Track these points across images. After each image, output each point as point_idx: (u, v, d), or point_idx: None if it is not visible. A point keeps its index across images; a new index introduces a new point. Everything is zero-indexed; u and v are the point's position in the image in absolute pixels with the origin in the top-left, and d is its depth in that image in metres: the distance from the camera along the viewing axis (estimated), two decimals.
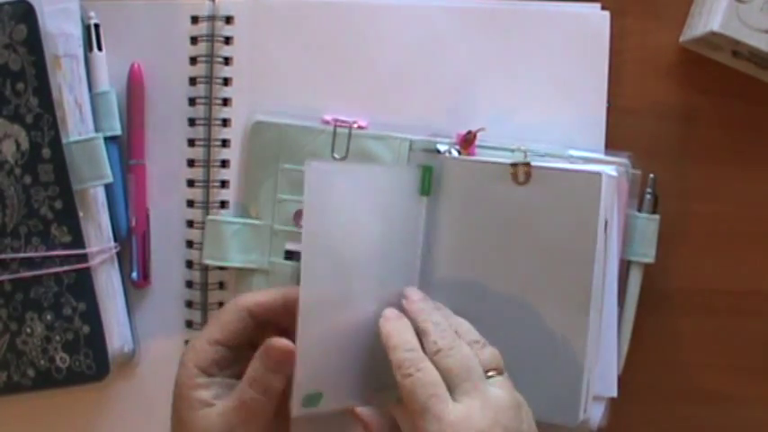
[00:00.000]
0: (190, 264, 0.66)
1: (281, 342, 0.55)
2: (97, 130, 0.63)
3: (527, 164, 0.59)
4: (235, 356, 0.57)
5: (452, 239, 0.61)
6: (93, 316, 0.62)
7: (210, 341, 0.56)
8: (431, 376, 0.51)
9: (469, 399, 0.51)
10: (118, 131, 0.65)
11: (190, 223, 0.66)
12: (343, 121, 0.64)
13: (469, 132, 0.62)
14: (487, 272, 0.60)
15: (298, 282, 0.53)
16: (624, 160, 0.63)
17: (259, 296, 0.58)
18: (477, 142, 0.62)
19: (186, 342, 0.66)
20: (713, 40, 0.62)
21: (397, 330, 0.54)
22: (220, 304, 0.66)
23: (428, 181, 0.61)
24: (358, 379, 0.57)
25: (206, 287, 0.66)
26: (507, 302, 0.59)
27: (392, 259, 0.59)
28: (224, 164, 0.66)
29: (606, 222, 0.58)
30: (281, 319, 0.57)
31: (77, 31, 0.63)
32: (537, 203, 0.58)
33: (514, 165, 0.60)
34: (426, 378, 0.51)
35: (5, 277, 0.62)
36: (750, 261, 0.67)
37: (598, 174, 0.58)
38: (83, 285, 0.62)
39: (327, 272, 0.55)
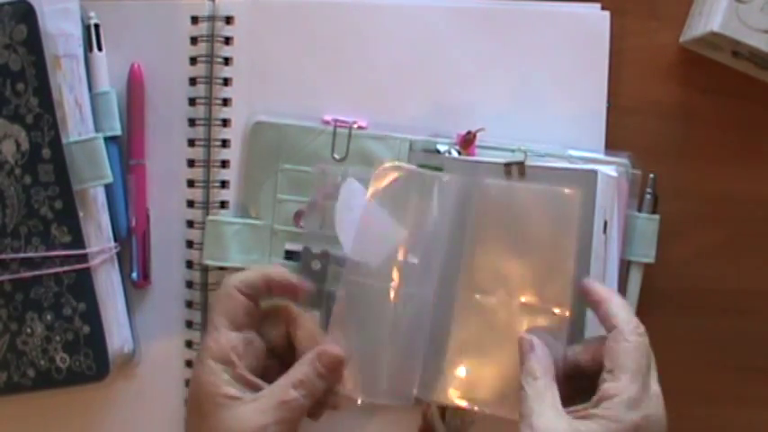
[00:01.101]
0: (190, 264, 0.66)
1: (335, 349, 0.57)
2: (97, 130, 0.63)
3: (520, 163, 0.59)
4: (248, 341, 0.58)
5: (453, 239, 0.61)
6: (93, 316, 0.62)
7: (219, 330, 0.57)
8: None
9: None
10: (118, 131, 0.64)
11: (190, 223, 0.66)
12: (343, 122, 0.64)
13: (469, 133, 0.62)
14: (487, 271, 0.60)
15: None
16: (624, 160, 0.63)
17: (243, 275, 0.59)
18: (476, 142, 0.62)
19: (187, 343, 0.66)
20: (713, 40, 0.62)
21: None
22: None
23: None
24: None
25: (206, 287, 0.66)
26: (505, 302, 0.59)
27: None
28: (224, 164, 0.66)
29: (606, 223, 0.58)
30: (262, 296, 0.59)
31: (77, 32, 0.63)
32: (534, 202, 0.59)
33: (508, 164, 0.60)
34: None
35: (6, 277, 0.62)
36: (750, 261, 0.67)
37: (593, 171, 0.58)
38: (83, 285, 0.62)
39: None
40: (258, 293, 0.59)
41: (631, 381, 0.51)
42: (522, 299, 0.59)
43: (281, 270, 0.60)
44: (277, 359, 0.60)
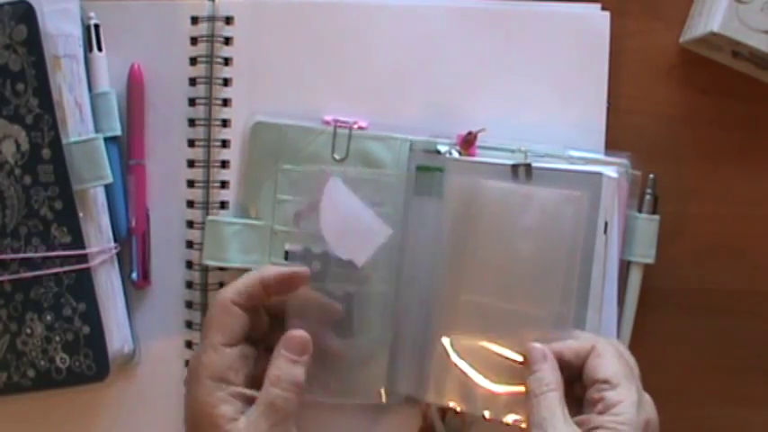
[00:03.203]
0: (190, 264, 0.66)
1: (298, 332, 0.57)
2: (97, 130, 0.63)
3: (528, 164, 0.59)
4: (243, 355, 0.57)
5: (453, 239, 0.61)
6: (93, 316, 0.62)
7: (216, 348, 0.56)
8: None
9: None
10: (118, 132, 0.64)
11: (190, 224, 0.66)
12: (343, 122, 0.64)
13: (470, 133, 0.62)
14: (487, 271, 0.60)
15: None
16: (624, 161, 0.63)
17: (237, 286, 0.58)
18: (477, 143, 0.62)
19: (187, 343, 0.66)
20: (713, 40, 0.62)
21: None
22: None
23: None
24: None
25: (206, 288, 0.66)
26: (506, 302, 0.59)
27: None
28: (224, 164, 0.66)
29: (606, 224, 0.58)
30: (262, 301, 0.59)
31: (77, 32, 0.63)
32: (537, 204, 0.58)
33: (515, 165, 0.60)
34: None
35: (5, 278, 0.62)
36: (750, 261, 0.67)
37: (598, 174, 0.58)
38: (83, 286, 0.62)
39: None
40: (255, 301, 0.58)
41: (629, 386, 0.52)
42: (519, 302, 0.59)
43: (272, 267, 0.60)
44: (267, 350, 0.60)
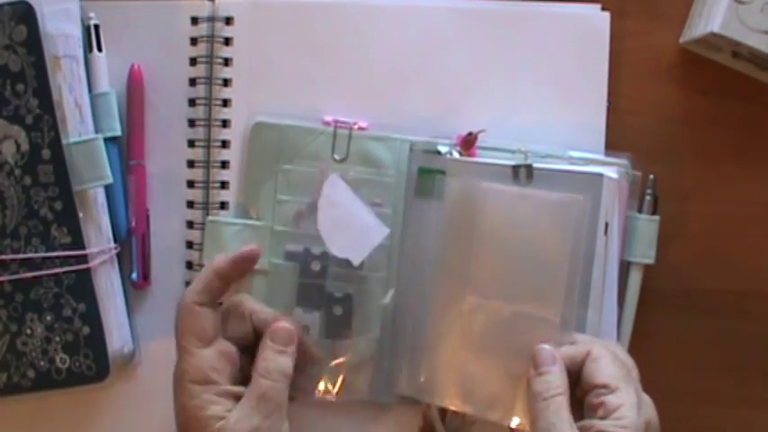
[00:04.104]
0: (190, 264, 0.66)
1: (283, 324, 0.58)
2: (97, 130, 0.63)
3: (529, 165, 0.59)
4: (222, 352, 0.58)
5: (454, 241, 0.61)
6: (93, 317, 0.62)
7: (191, 352, 0.57)
8: None
9: None
10: (118, 132, 0.64)
11: (190, 224, 0.66)
12: (343, 122, 0.64)
13: (470, 134, 0.62)
14: (487, 271, 0.60)
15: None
16: (624, 161, 0.63)
17: (194, 286, 0.58)
18: (477, 143, 0.62)
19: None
20: (713, 41, 0.62)
21: None
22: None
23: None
24: None
25: None
26: (508, 304, 0.59)
27: None
28: (224, 165, 0.66)
29: (606, 225, 0.58)
30: (223, 292, 0.59)
31: (77, 32, 0.63)
32: (538, 206, 0.59)
33: (516, 166, 0.60)
34: None
35: (5, 278, 0.62)
36: (750, 261, 0.67)
37: (599, 175, 0.58)
38: (83, 286, 0.62)
39: None
40: (216, 295, 0.59)
41: (627, 388, 0.52)
42: (520, 304, 0.59)
43: (222, 256, 0.60)
44: (252, 356, 0.60)
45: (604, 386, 0.52)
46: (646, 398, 0.54)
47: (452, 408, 0.60)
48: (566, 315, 0.57)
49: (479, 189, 0.60)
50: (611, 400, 0.52)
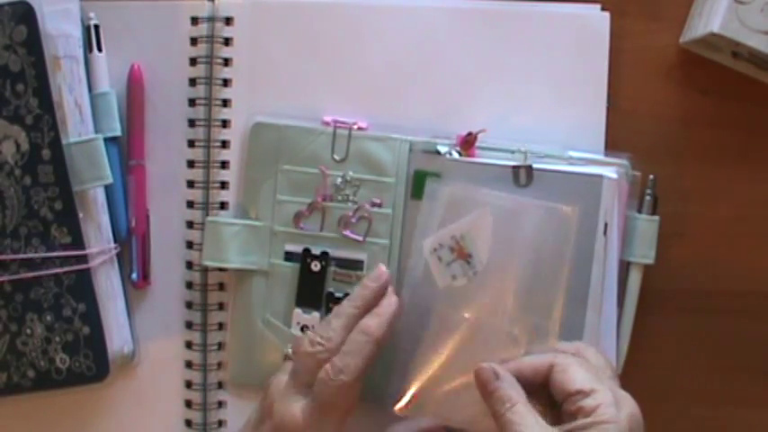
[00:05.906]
0: (190, 265, 0.66)
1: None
2: (97, 131, 0.63)
3: (529, 166, 0.59)
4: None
5: (454, 240, 0.61)
6: (93, 317, 0.62)
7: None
8: None
9: None
10: (118, 132, 0.65)
11: (190, 224, 0.66)
12: (343, 123, 0.64)
13: (470, 134, 0.62)
14: (487, 272, 0.60)
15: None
16: (624, 161, 0.63)
17: (360, 360, 0.57)
18: (477, 143, 0.62)
19: (186, 343, 0.66)
20: (713, 41, 0.62)
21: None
22: (220, 305, 0.66)
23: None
24: None
25: (206, 288, 0.66)
26: (505, 302, 0.59)
27: None
28: (224, 165, 0.66)
29: (606, 225, 0.58)
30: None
31: (77, 32, 0.63)
32: (534, 212, 0.58)
33: (516, 167, 0.60)
34: None
35: (5, 278, 0.62)
36: (750, 261, 0.67)
37: (599, 176, 0.58)
38: (83, 286, 0.62)
39: None
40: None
41: (601, 388, 0.52)
42: (513, 315, 0.58)
43: (374, 324, 0.58)
44: None
45: (578, 392, 0.52)
46: (623, 393, 0.53)
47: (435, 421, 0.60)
48: (567, 322, 0.57)
49: (474, 196, 0.60)
50: (587, 403, 0.51)
